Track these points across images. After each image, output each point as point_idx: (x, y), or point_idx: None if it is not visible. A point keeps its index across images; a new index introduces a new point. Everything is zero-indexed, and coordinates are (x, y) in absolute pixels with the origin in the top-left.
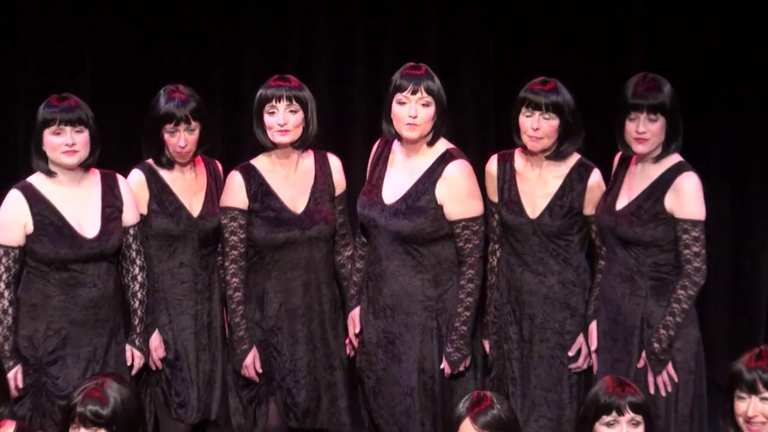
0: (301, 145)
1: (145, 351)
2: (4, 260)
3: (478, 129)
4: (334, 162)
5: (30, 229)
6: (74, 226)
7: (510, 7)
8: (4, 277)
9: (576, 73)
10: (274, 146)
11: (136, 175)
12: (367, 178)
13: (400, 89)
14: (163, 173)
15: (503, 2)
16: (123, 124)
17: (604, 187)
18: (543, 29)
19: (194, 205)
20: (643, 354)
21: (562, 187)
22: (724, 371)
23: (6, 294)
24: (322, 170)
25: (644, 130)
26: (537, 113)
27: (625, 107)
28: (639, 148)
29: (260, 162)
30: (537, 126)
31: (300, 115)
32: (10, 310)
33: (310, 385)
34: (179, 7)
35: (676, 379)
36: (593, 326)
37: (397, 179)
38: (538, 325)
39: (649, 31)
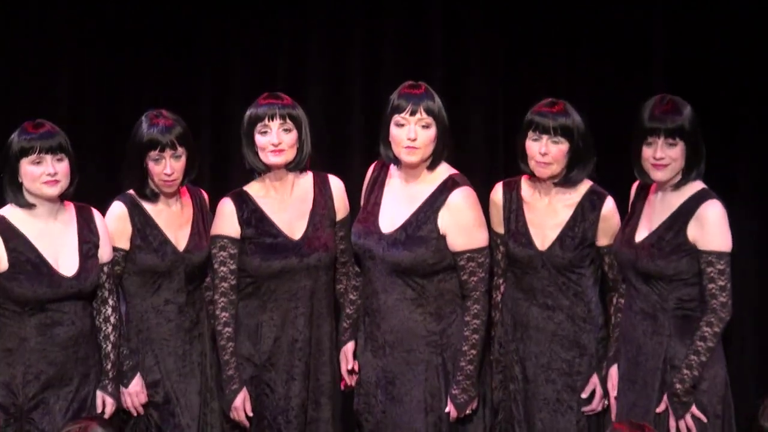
0: (295, 167)
1: (117, 396)
2: None
3: (484, 151)
4: (336, 184)
5: (4, 266)
6: (52, 264)
7: (522, 13)
8: None
9: (592, 89)
10: (267, 169)
11: (118, 208)
12: (361, 204)
13: (398, 110)
14: (147, 205)
15: (514, 8)
16: (100, 152)
17: (618, 216)
18: (557, 35)
19: (180, 238)
20: (665, 397)
21: (574, 217)
22: (748, 417)
23: None
24: (322, 193)
25: (662, 155)
26: (545, 137)
27: (642, 131)
28: (657, 175)
29: (253, 188)
30: (545, 151)
31: (294, 134)
32: None
33: (302, 425)
34: (162, 13)
35: (704, 419)
36: (614, 370)
37: (396, 206)
38: (543, 364)
39: (672, 48)
